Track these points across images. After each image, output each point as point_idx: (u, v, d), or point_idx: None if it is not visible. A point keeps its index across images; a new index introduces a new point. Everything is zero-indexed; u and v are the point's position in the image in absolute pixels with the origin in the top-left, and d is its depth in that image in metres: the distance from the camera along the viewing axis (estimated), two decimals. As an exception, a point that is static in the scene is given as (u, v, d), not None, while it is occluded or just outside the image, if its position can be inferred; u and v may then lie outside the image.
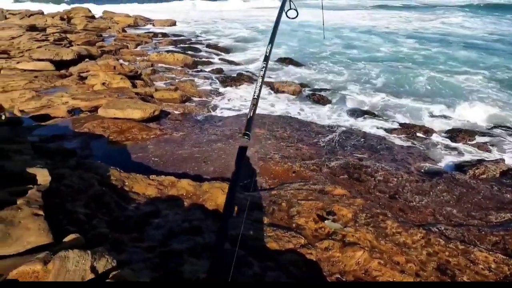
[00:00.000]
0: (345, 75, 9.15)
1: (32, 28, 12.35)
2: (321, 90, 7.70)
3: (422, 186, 3.58)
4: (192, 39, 15.21)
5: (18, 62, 7.66)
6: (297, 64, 10.28)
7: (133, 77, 7.15)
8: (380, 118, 6.12)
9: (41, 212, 1.66)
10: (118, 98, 5.41)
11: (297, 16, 2.05)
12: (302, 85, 7.88)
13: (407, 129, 5.53)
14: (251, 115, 1.41)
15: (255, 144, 4.25)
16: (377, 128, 5.63)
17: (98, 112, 4.74)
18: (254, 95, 1.45)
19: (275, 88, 7.42)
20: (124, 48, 11.38)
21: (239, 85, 7.69)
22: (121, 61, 8.62)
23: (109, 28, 16.80)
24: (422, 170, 4.11)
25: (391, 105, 6.82)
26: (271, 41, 1.65)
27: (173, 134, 4.48)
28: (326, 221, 2.55)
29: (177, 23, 21.33)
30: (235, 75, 8.47)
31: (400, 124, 5.84)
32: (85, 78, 6.79)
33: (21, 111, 5.26)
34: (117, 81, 6.39)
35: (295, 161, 3.82)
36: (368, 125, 5.70)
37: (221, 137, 4.42)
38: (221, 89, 7.37)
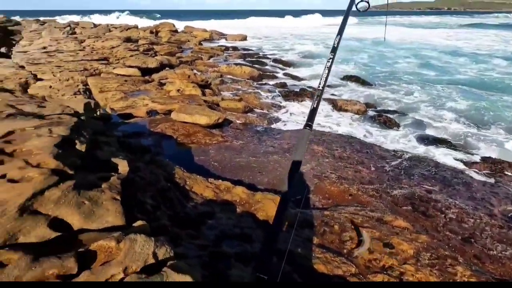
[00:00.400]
0: (418, 98, 8.42)
1: (128, 39, 14.46)
2: (388, 111, 7.23)
3: (508, 234, 3.04)
4: (260, 53, 15.88)
5: (114, 68, 9.03)
6: (364, 82, 9.87)
7: (204, 86, 7.77)
8: (458, 149, 5.43)
9: (118, 197, 1.91)
10: (189, 104, 5.93)
11: (368, 8, 1.92)
12: (368, 105, 7.51)
13: (492, 165, 4.78)
14: (315, 106, 1.39)
15: (311, 161, 4.19)
16: (453, 159, 5.00)
17: (171, 115, 5.26)
18: (319, 86, 1.43)
19: (338, 106, 7.23)
20: (199, 59, 12.48)
21: (301, 100, 7.71)
22: (194, 71, 9.46)
23: (188, 41, 18.66)
24: (510, 215, 3.50)
25: (472, 135, 6.01)
26: (340, 33, 1.62)
27: (233, 142, 4.70)
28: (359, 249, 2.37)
29: (247, 38, 22.57)
30: (298, 90, 8.53)
31: (483, 158, 5.09)
32: (164, 84, 7.63)
33: (111, 109, 6.16)
34: (190, 89, 7.02)
35: (353, 184, 3.63)
36: (441, 155, 5.11)
37: (278, 150, 4.47)
38: (283, 103, 7.49)
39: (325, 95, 8.48)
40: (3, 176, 1.64)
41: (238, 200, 2.78)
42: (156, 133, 4.77)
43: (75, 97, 6.40)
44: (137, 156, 3.07)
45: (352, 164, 4.21)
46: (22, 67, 8.41)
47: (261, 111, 6.81)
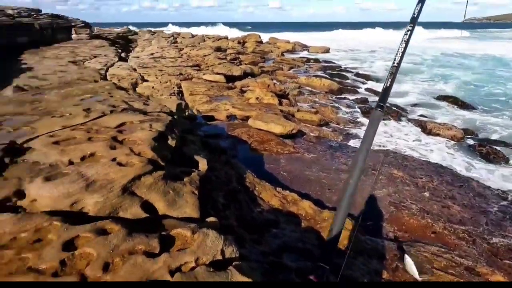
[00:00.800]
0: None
1: (218, 49, 15.89)
2: (494, 142, 6.08)
3: None
4: (342, 66, 15.40)
5: (204, 74, 10.03)
6: (463, 104, 8.57)
7: (281, 95, 7.94)
8: None
9: (196, 192, 2.10)
10: (266, 112, 6.14)
11: None
12: (466, 132, 6.48)
13: None
14: (388, 85, 1.27)
15: (388, 186, 3.83)
16: None
17: (248, 121, 5.53)
18: (393, 63, 1.30)
19: (427, 129, 6.44)
20: (279, 69, 12.84)
21: (383, 118, 7.15)
22: (274, 81, 9.77)
23: (271, 52, 19.40)
24: None
25: None
26: (421, 0, 1.42)
27: (304, 154, 4.65)
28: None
29: (330, 50, 22.17)
30: (380, 107, 7.94)
31: None
32: (245, 91, 8.10)
33: (197, 110, 6.84)
34: (268, 98, 7.27)
35: (438, 220, 3.16)
36: None
37: (352, 169, 4.23)
38: (361, 119, 7.08)
39: (412, 115, 7.67)
40: (114, 159, 1.98)
41: (304, 214, 2.74)
42: (233, 136, 5.08)
43: (170, 97, 7.33)
44: (215, 156, 3.33)
45: (439, 197, 3.68)
46: (134, 69, 10.09)
47: (337, 126, 6.57)
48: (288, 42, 24.57)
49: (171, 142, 2.55)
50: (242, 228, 2.21)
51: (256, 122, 5.38)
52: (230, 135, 5.13)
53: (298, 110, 6.90)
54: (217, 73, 9.98)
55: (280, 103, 7.22)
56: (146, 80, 8.95)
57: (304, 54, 20.39)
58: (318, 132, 5.84)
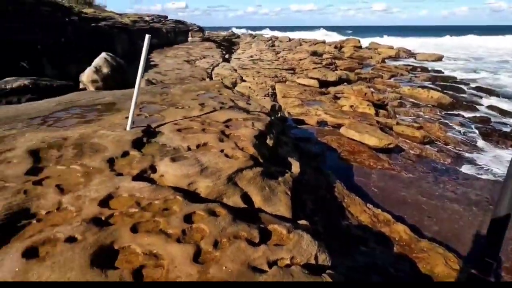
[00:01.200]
0: None
1: (314, 53, 15.83)
2: None
3: None
4: (458, 77, 13.22)
5: (298, 78, 10.17)
6: None
7: (379, 105, 7.37)
8: None
9: (289, 193, 2.16)
10: (360, 122, 5.82)
11: None
12: None
13: None
14: None
15: None
16: None
17: (340, 129, 5.35)
18: None
19: None
20: (379, 77, 11.91)
21: (511, 145, 5.83)
22: (372, 89, 9.13)
23: (370, 58, 18.16)
24: None
25: None
26: None
27: (401, 172, 4.22)
28: None
29: (443, 59, 19.33)
30: (508, 129, 6.50)
31: None
32: (338, 98, 7.85)
33: (288, 113, 6.99)
34: (364, 107, 6.86)
35: None
36: None
37: (461, 199, 3.61)
38: (480, 143, 5.95)
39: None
40: (222, 151, 2.23)
41: (397, 239, 2.50)
42: (322, 143, 5.00)
43: (264, 98, 7.71)
44: (305, 160, 3.35)
45: None
46: (235, 70, 11.00)
47: (445, 146, 5.70)
48: (391, 47, 22.53)
49: (269, 141, 2.70)
50: (329, 237, 2.18)
51: (349, 131, 5.16)
52: (319, 141, 5.07)
53: (397, 123, 6.28)
54: (311, 78, 9.96)
55: (377, 114, 6.71)
56: (244, 81, 9.64)
57: (410, 61, 18.35)
58: (420, 151, 5.19)
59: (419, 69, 14.85)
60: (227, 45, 20.23)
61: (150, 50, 12.75)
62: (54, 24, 8.67)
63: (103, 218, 1.43)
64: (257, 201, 1.98)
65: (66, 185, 1.68)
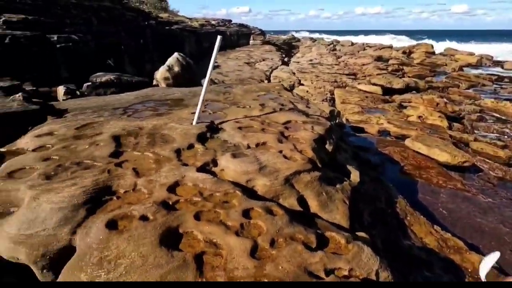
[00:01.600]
0: None
1: (379, 58, 14.90)
2: None
3: None
4: (560, 91, 11.09)
5: (359, 83, 9.68)
6: None
7: (453, 118, 6.60)
8: None
9: (347, 202, 2.06)
10: (429, 134, 5.28)
11: None
12: None
13: None
14: None
15: None
16: None
17: (405, 141, 4.92)
18: None
19: None
20: (454, 87, 10.66)
21: None
22: (445, 99, 8.21)
23: (445, 65, 16.37)
24: None
25: None
26: None
27: (478, 196, 3.70)
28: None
29: (541, 68, 16.46)
30: None
31: None
32: (404, 107, 7.24)
33: (347, 119, 6.70)
34: (434, 118, 6.21)
35: None
36: None
37: (558, 235, 3.01)
38: None
39: None
40: (281, 152, 2.23)
41: (470, 270, 2.19)
42: (383, 154, 4.66)
43: (322, 103, 7.52)
44: (364, 169, 3.17)
45: None
46: (294, 73, 10.97)
47: (537, 170, 4.81)
48: (472, 54, 19.97)
49: (329, 146, 2.61)
50: (388, 255, 2.01)
51: (415, 144, 4.71)
52: (379, 152, 4.73)
53: (475, 139, 5.53)
54: (374, 84, 9.39)
55: (450, 127, 6.01)
56: (302, 84, 9.55)
57: (495, 70, 16.02)
58: (503, 173, 4.48)
59: (506, 80, 12.87)
60: (287, 48, 20.29)
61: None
62: (135, 28, 9.78)
63: (170, 203, 1.55)
64: (313, 206, 1.93)
65: (140, 169, 1.86)
